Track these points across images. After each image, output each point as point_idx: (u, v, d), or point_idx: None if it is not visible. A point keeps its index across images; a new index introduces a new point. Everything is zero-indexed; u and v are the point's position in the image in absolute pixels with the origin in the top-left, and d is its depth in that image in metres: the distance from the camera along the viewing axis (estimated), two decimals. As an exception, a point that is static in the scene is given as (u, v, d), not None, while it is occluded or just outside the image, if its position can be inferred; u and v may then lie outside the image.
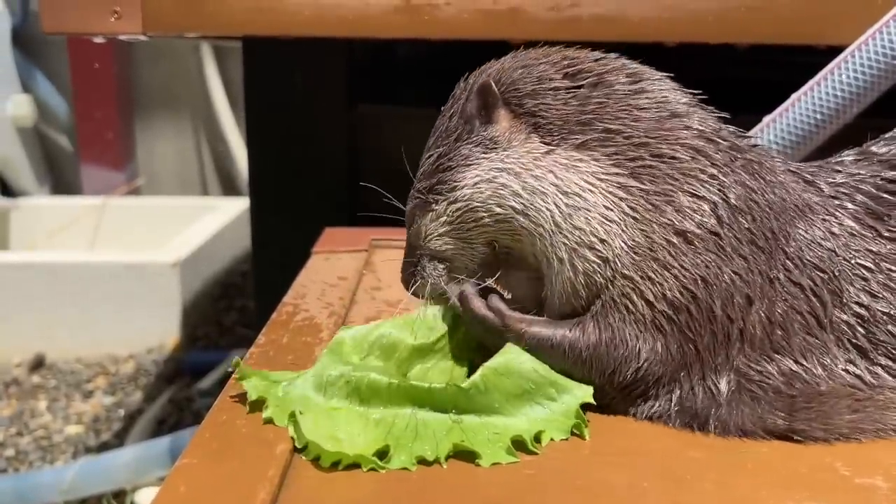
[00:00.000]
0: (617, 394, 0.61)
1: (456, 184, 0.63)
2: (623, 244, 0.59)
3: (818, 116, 1.05)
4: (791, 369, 0.60)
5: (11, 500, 1.38)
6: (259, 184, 1.37)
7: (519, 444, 0.56)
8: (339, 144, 1.38)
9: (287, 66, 1.32)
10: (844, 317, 0.60)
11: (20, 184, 2.68)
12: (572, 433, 0.58)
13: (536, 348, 0.61)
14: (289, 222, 1.36)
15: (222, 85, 2.79)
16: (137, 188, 2.83)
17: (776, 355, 0.60)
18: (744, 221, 0.59)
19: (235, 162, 2.81)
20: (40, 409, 1.80)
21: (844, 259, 0.61)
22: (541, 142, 0.61)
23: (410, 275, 0.68)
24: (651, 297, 0.59)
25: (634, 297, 0.59)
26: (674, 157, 0.60)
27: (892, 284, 0.60)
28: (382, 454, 0.53)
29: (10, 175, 2.65)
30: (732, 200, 0.59)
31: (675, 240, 0.59)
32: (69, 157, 2.86)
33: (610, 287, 0.60)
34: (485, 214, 0.63)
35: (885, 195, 0.62)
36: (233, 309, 2.27)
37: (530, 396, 0.59)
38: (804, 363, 0.60)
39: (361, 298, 0.87)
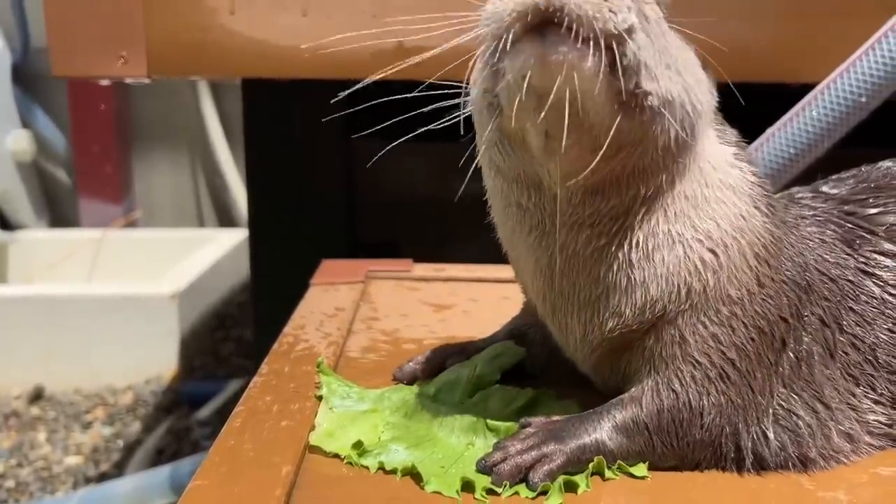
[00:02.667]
0: (689, 453, 0.60)
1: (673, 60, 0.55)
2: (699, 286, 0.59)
3: (791, 151, 1.11)
4: (812, 405, 0.61)
5: (13, 530, 1.40)
6: (258, 217, 1.42)
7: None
8: (334, 178, 1.43)
9: (285, 105, 1.37)
10: (843, 345, 0.63)
11: (19, 217, 2.71)
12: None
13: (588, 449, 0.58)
14: (287, 254, 1.41)
15: (218, 119, 2.84)
16: (135, 221, 2.87)
17: (800, 391, 0.61)
18: (787, 265, 0.61)
19: (231, 194, 2.86)
20: (40, 441, 1.82)
21: (840, 287, 0.63)
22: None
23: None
24: (706, 349, 0.58)
25: (690, 351, 0.58)
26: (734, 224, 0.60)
27: (867, 314, 0.64)
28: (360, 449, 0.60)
29: (9, 209, 2.69)
30: (775, 249, 0.61)
31: (743, 284, 0.59)
32: (67, 190, 2.90)
33: (662, 332, 0.59)
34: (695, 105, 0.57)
35: (849, 226, 0.67)
36: (229, 339, 2.30)
37: None
38: (822, 400, 0.61)
39: (358, 329, 0.91)
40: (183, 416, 1.87)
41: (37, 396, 2.01)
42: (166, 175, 2.96)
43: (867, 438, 0.63)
